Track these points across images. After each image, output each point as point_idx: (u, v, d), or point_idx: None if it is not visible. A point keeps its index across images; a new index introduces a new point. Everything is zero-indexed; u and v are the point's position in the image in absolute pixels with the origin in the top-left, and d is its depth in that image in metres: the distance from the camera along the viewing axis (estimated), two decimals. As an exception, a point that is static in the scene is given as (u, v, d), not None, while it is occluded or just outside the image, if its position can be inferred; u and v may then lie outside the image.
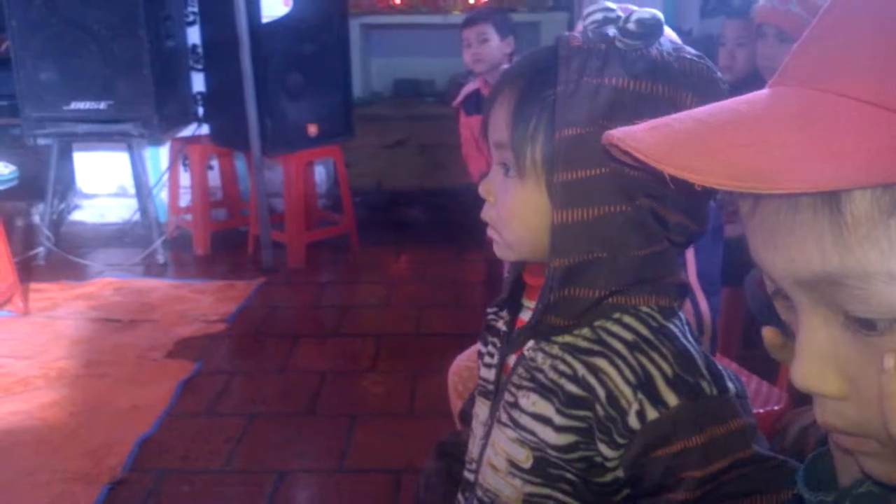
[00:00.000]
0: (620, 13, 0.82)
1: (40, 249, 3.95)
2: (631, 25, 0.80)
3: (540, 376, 0.86)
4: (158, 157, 4.45)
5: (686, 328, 0.85)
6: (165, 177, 4.28)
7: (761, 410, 1.59)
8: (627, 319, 0.83)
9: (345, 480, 2.24)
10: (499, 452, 0.90)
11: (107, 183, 4.64)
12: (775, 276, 0.49)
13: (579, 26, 0.85)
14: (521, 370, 0.88)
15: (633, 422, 0.79)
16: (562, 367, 0.84)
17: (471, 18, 3.29)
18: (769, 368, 2.07)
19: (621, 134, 0.48)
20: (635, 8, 0.81)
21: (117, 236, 4.35)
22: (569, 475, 0.85)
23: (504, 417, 0.89)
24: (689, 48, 0.85)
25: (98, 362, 2.90)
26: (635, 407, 0.79)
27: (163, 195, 4.38)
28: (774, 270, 0.48)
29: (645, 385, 0.79)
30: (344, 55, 4.01)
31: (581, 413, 0.82)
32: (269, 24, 3.67)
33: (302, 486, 2.25)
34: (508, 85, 0.85)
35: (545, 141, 0.81)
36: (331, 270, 4.01)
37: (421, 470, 1.13)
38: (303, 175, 4.00)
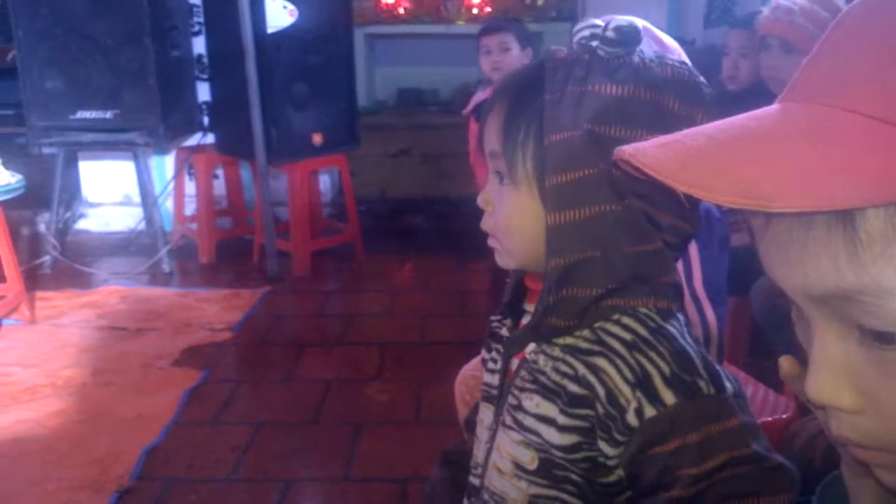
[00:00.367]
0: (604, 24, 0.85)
1: (46, 258, 3.96)
2: (609, 33, 0.83)
3: (542, 378, 0.88)
4: (164, 166, 4.47)
5: (684, 329, 0.87)
6: (171, 186, 4.30)
7: (769, 419, 1.59)
8: (626, 320, 0.85)
9: (350, 489, 2.24)
10: (504, 455, 0.92)
11: (112, 192, 4.65)
12: (789, 291, 0.49)
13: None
14: (523, 373, 0.90)
15: (632, 419, 0.81)
16: (563, 367, 0.86)
17: (492, 27, 3.28)
18: (775, 377, 2.07)
19: (632, 150, 0.48)
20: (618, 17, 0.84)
21: (123, 245, 4.36)
22: (573, 476, 0.86)
23: (508, 420, 0.91)
24: (671, 55, 0.88)
25: (104, 370, 2.91)
26: (634, 405, 0.81)
27: (168, 204, 4.40)
28: (788, 286, 0.48)
29: (643, 384, 0.81)
30: (349, 65, 4.02)
31: (583, 412, 0.84)
32: (275, 35, 3.69)
33: (308, 495, 2.25)
34: (499, 99, 0.89)
35: (535, 148, 0.85)
36: (336, 279, 4.02)
37: (426, 478, 1.14)
38: (307, 184, 4.01)
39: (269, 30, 3.67)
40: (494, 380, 0.97)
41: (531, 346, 0.91)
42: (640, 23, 0.86)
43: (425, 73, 5.98)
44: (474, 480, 0.99)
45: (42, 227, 4.25)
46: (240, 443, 2.45)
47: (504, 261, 0.92)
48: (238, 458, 2.37)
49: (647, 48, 0.86)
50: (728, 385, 0.83)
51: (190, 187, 4.27)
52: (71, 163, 4.44)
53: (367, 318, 3.51)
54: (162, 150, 4.18)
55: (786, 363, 0.55)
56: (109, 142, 3.91)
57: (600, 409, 0.83)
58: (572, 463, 0.86)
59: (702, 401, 0.81)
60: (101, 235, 4.56)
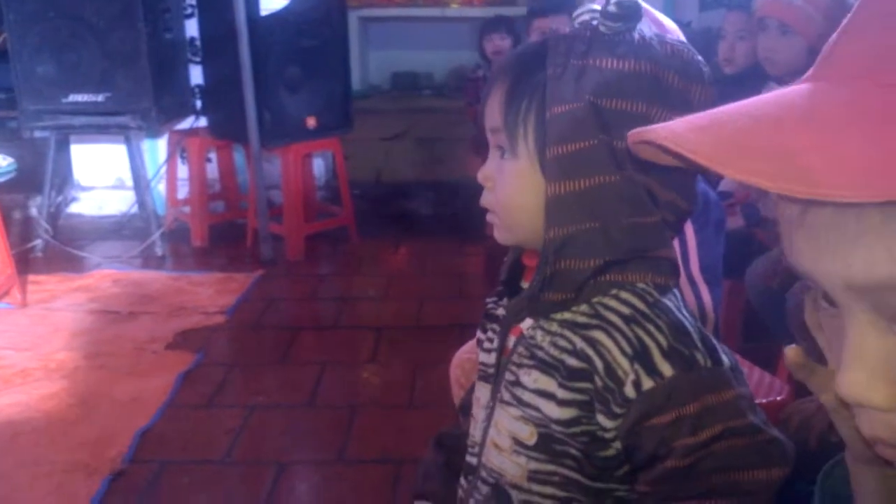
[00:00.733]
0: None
1: (38, 242, 3.94)
2: (611, 7, 0.84)
3: (540, 353, 0.88)
4: (156, 149, 4.44)
5: (681, 303, 0.88)
6: (163, 169, 4.27)
7: (763, 401, 1.59)
8: (624, 295, 0.86)
9: (345, 471, 2.24)
10: (502, 431, 0.92)
11: (105, 175, 4.63)
12: (824, 282, 0.47)
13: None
14: (521, 349, 0.91)
15: (630, 391, 0.82)
16: (562, 342, 0.87)
17: (550, 7, 3.18)
18: (769, 359, 2.07)
19: (667, 134, 0.46)
20: None
21: (115, 229, 4.33)
22: (572, 450, 0.87)
23: (507, 397, 0.91)
24: (669, 35, 0.89)
25: (97, 354, 2.90)
26: (632, 377, 0.82)
27: (161, 187, 4.37)
28: (823, 276, 0.46)
29: (641, 356, 0.82)
30: (343, 47, 4.00)
31: (582, 385, 0.85)
32: (268, 17, 3.66)
33: (302, 478, 2.25)
34: (501, 75, 0.90)
35: (537, 121, 0.86)
36: (330, 263, 4.01)
37: (421, 461, 1.14)
38: (301, 167, 3.99)
39: (263, 12, 3.64)
40: (491, 358, 0.97)
41: (528, 323, 0.91)
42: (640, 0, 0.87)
43: (420, 56, 5.97)
44: (471, 459, 0.99)
45: (34, 211, 4.23)
46: (234, 425, 2.44)
47: (503, 236, 0.93)
48: (232, 440, 2.37)
49: (646, 29, 0.87)
50: (725, 358, 0.84)
51: (183, 171, 4.24)
52: (63, 146, 4.42)
53: (362, 301, 3.50)
54: (154, 134, 4.14)
55: (792, 352, 0.54)
56: (101, 125, 3.88)
57: (598, 382, 0.83)
58: (571, 437, 0.86)
59: (699, 373, 0.81)
60: (93, 219, 4.54)
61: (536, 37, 3.19)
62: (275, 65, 3.71)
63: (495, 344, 0.97)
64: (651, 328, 0.83)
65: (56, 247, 3.94)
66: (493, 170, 0.91)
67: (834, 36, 0.49)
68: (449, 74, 5.78)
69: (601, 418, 0.84)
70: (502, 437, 0.92)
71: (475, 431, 0.98)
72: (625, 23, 0.85)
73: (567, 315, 0.87)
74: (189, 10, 4.10)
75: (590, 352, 0.84)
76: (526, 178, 0.88)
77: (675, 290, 0.88)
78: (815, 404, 1.47)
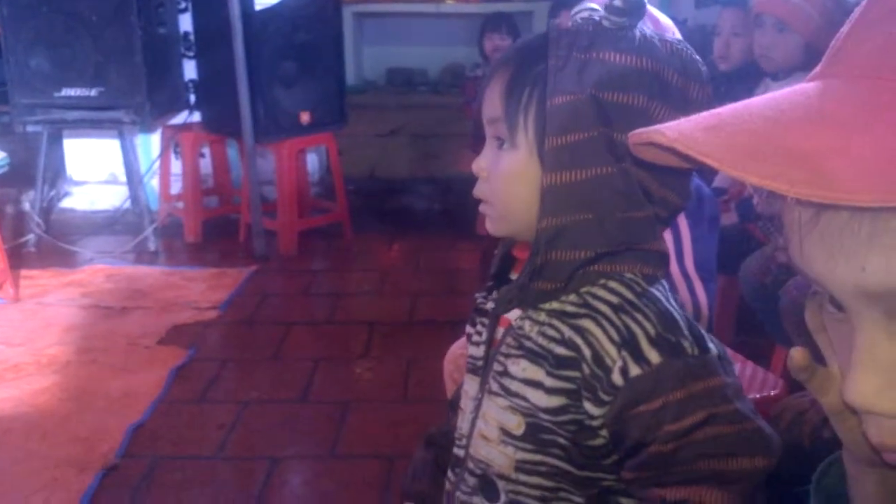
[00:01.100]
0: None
1: (30, 236, 3.92)
2: (617, 2, 0.85)
3: (528, 343, 0.89)
4: (149, 144, 4.43)
5: (669, 294, 0.88)
6: (156, 164, 4.26)
7: (757, 396, 1.59)
8: (613, 284, 0.86)
9: (337, 467, 2.24)
10: (490, 422, 0.92)
11: (97, 170, 4.61)
12: (835, 286, 0.46)
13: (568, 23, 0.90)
14: (509, 339, 0.91)
15: (617, 379, 0.83)
16: (550, 332, 0.87)
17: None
18: (762, 355, 2.07)
19: (675, 135, 0.45)
20: None
21: (108, 224, 4.32)
22: (560, 440, 0.87)
23: (495, 387, 0.92)
24: (668, 34, 0.92)
25: (89, 349, 2.89)
26: (619, 364, 0.82)
27: (154, 183, 4.36)
28: (835, 280, 0.45)
29: (629, 343, 0.83)
30: (337, 43, 3.99)
31: (569, 374, 0.85)
32: (262, 12, 3.65)
33: (294, 473, 2.24)
34: (502, 66, 0.90)
35: (537, 111, 0.86)
36: (323, 258, 4.00)
37: (411, 460, 1.14)
38: (295, 163, 3.99)
39: (257, 7, 3.63)
40: (479, 351, 0.98)
41: (517, 313, 0.91)
42: None
43: (414, 52, 5.95)
44: (458, 451, 0.99)
45: (26, 206, 4.20)
46: (226, 421, 2.44)
47: (496, 227, 0.93)
48: (225, 436, 2.36)
49: (647, 29, 0.88)
50: (712, 347, 0.84)
51: (176, 166, 4.23)
52: (55, 141, 4.40)
53: (355, 297, 3.50)
54: (148, 129, 4.13)
55: (798, 354, 0.53)
56: (95, 120, 3.86)
57: (586, 370, 0.84)
58: (559, 426, 0.87)
59: (686, 360, 0.82)
60: (86, 214, 4.53)
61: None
62: (269, 60, 3.70)
63: (484, 336, 0.97)
64: (639, 316, 0.84)
65: (48, 241, 3.93)
66: (489, 160, 0.91)
67: (843, 32, 0.48)
68: (443, 71, 5.76)
69: (588, 406, 0.85)
70: (490, 428, 0.92)
71: (463, 423, 0.99)
72: (629, 18, 0.86)
73: (556, 305, 0.88)
74: (183, 5, 4.09)
75: (578, 340, 0.85)
76: (524, 168, 0.88)
77: (664, 281, 0.89)
78: (808, 400, 1.46)
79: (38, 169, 3.95)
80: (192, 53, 4.07)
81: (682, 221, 1.42)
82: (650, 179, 0.85)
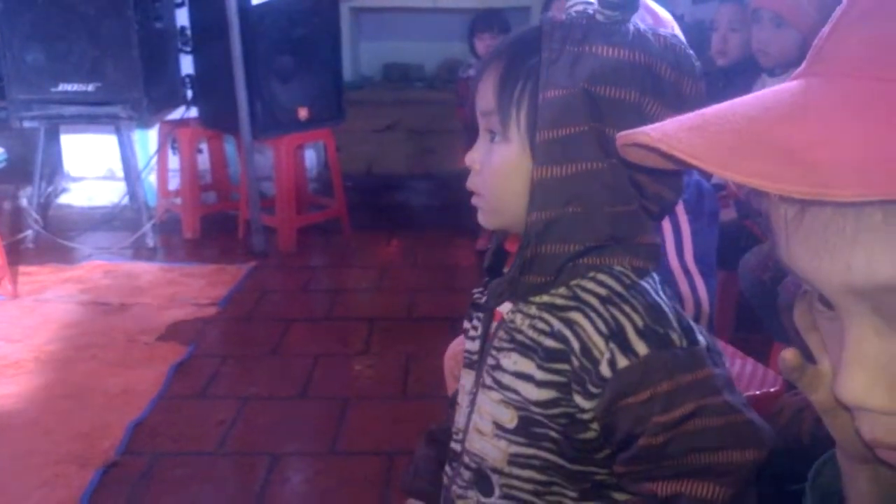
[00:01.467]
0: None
1: (28, 233, 3.92)
2: None
3: (520, 336, 0.89)
4: (147, 140, 4.42)
5: (658, 286, 0.88)
6: (154, 160, 4.25)
7: (757, 392, 1.60)
8: (602, 277, 0.87)
9: (337, 463, 2.24)
10: (484, 416, 0.93)
11: (95, 166, 4.60)
12: (822, 284, 0.46)
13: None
14: (501, 333, 0.92)
15: (605, 370, 0.83)
16: (540, 324, 0.88)
17: None
18: (761, 351, 2.08)
19: (659, 135, 0.44)
20: None
21: (106, 220, 4.31)
22: (552, 433, 0.88)
23: (488, 381, 0.93)
24: (663, 28, 0.92)
25: (88, 345, 2.89)
26: (607, 356, 0.83)
27: (151, 178, 4.36)
28: (821, 278, 0.45)
29: (616, 335, 0.83)
30: (334, 38, 3.99)
31: (559, 366, 0.86)
32: (259, 7, 3.64)
33: (294, 469, 2.24)
34: (496, 59, 0.90)
35: (530, 104, 0.86)
36: (322, 254, 4.00)
37: (413, 453, 1.15)
38: (293, 158, 3.98)
39: (254, 1, 3.62)
40: (475, 346, 0.99)
41: (508, 307, 0.92)
42: None
43: (411, 48, 5.93)
44: (455, 446, 1.00)
45: (24, 202, 4.20)
46: (226, 417, 2.44)
47: (487, 220, 0.93)
48: (225, 432, 2.37)
49: (640, 22, 0.88)
50: (701, 339, 0.84)
51: (173, 161, 4.23)
52: (53, 136, 4.39)
53: (354, 293, 3.50)
54: (145, 124, 4.12)
55: (790, 355, 0.53)
56: (92, 115, 3.85)
57: (575, 362, 0.84)
58: (550, 419, 0.87)
59: (674, 351, 0.82)
60: (83, 210, 4.52)
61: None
62: (266, 55, 3.69)
63: (479, 331, 0.98)
64: (627, 308, 0.84)
65: (46, 238, 3.92)
66: (482, 153, 0.92)
67: (824, 31, 0.49)
68: (440, 66, 5.75)
69: (578, 399, 0.85)
70: (484, 422, 0.93)
71: (459, 418, 1.00)
72: (622, 12, 0.86)
73: (546, 298, 0.88)
74: (179, 0, 4.07)
75: (567, 333, 0.85)
76: (515, 161, 0.88)
77: (654, 275, 0.89)
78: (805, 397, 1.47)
79: (36, 165, 3.94)
80: (188, 48, 4.07)
81: (682, 216, 1.42)
82: (644, 176, 0.85)
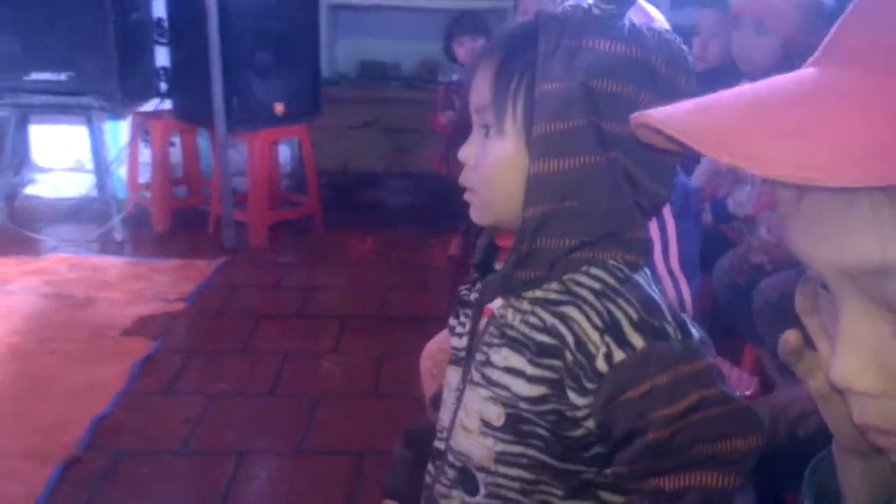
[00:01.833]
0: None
1: (-7, 223, 3.85)
2: None
3: (510, 332, 0.88)
4: (118, 131, 4.35)
5: (651, 280, 0.89)
6: (125, 152, 4.19)
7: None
8: (595, 271, 0.86)
9: (305, 462, 2.20)
10: (471, 413, 0.92)
11: (63, 157, 4.53)
12: (818, 267, 0.47)
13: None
14: (492, 329, 0.91)
15: (601, 365, 0.82)
16: (532, 319, 0.87)
17: None
18: (736, 354, 2.07)
19: (662, 117, 0.45)
20: None
21: (73, 212, 4.25)
22: (540, 430, 0.87)
23: (477, 377, 0.92)
24: (656, 24, 0.92)
25: (51, 339, 2.82)
26: (603, 350, 0.82)
27: (121, 171, 4.29)
28: (818, 260, 0.46)
29: (611, 329, 0.82)
30: (312, 34, 3.96)
31: (552, 362, 0.85)
32: (238, 0, 3.60)
33: (262, 467, 2.20)
34: (490, 53, 0.90)
35: (526, 99, 0.86)
36: (294, 251, 3.96)
37: (382, 452, 1.14)
38: (268, 154, 3.94)
39: (232, -6, 3.58)
40: (462, 342, 0.97)
41: (499, 303, 0.91)
42: None
43: (387, 46, 5.91)
44: (439, 444, 0.99)
45: (-10, 192, 4.12)
46: (192, 414, 2.39)
47: (480, 215, 0.93)
48: (191, 429, 2.32)
49: (635, 19, 0.88)
50: (694, 332, 0.85)
51: (145, 154, 4.16)
52: (21, 126, 4.31)
53: (326, 290, 3.46)
54: (117, 115, 4.06)
55: (793, 337, 0.54)
56: (63, 105, 3.80)
57: (569, 358, 0.83)
58: (539, 416, 0.86)
59: (670, 343, 0.82)
60: (50, 201, 4.44)
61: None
62: (243, 49, 3.65)
63: (467, 328, 0.97)
64: (621, 302, 0.83)
65: (11, 229, 3.84)
66: (476, 148, 0.91)
67: (840, 21, 0.49)
68: (418, 66, 5.73)
69: (573, 396, 0.84)
70: (471, 419, 0.92)
71: (444, 416, 0.98)
72: (618, 6, 0.86)
73: (538, 293, 0.87)
74: (156, -9, 4.02)
75: (561, 328, 0.84)
76: (511, 156, 0.87)
77: (646, 269, 0.89)
78: (784, 399, 1.46)
79: (4, 155, 3.88)
80: (164, 40, 4.01)
81: (669, 219, 1.42)
82: (641, 172, 0.85)
